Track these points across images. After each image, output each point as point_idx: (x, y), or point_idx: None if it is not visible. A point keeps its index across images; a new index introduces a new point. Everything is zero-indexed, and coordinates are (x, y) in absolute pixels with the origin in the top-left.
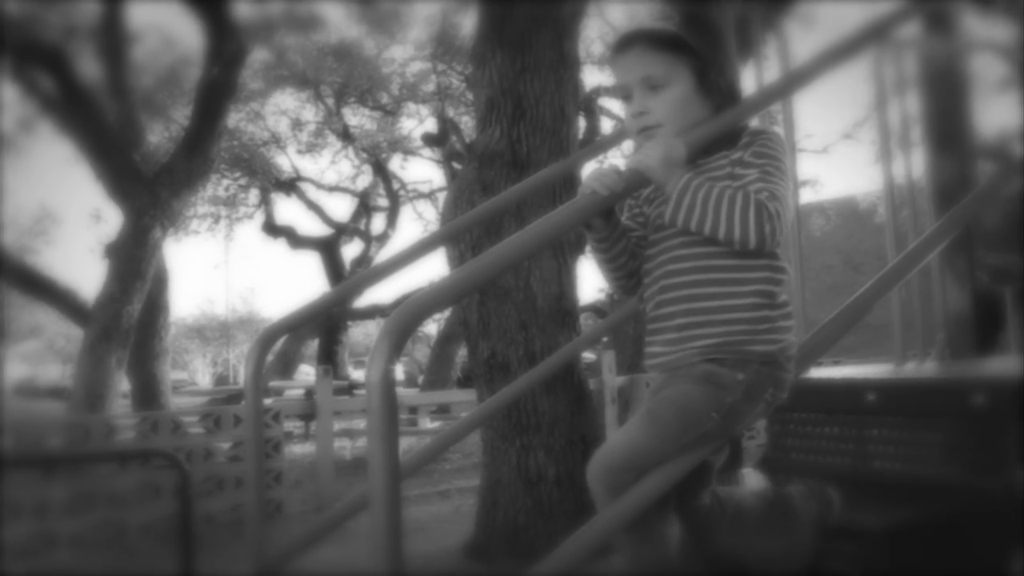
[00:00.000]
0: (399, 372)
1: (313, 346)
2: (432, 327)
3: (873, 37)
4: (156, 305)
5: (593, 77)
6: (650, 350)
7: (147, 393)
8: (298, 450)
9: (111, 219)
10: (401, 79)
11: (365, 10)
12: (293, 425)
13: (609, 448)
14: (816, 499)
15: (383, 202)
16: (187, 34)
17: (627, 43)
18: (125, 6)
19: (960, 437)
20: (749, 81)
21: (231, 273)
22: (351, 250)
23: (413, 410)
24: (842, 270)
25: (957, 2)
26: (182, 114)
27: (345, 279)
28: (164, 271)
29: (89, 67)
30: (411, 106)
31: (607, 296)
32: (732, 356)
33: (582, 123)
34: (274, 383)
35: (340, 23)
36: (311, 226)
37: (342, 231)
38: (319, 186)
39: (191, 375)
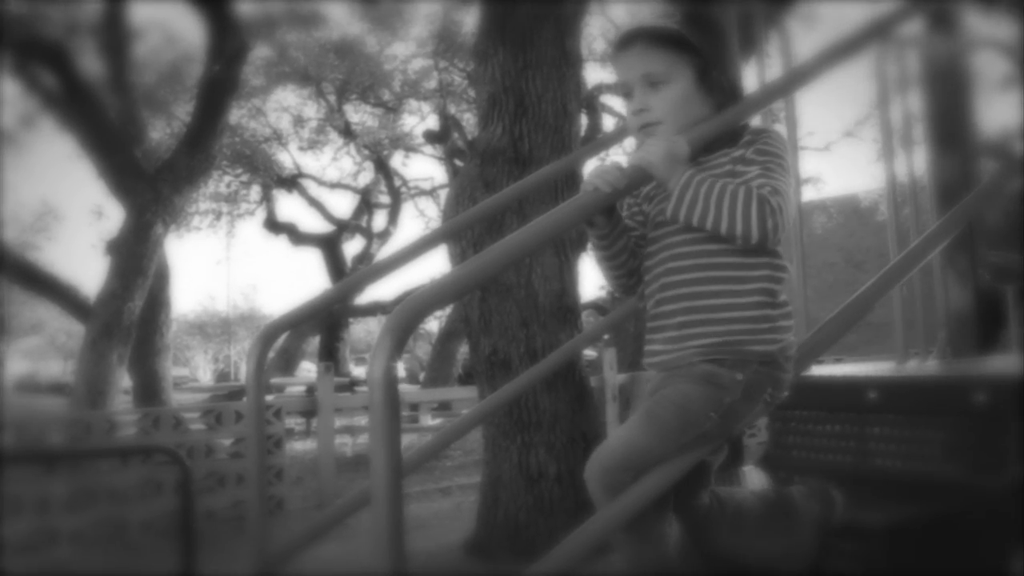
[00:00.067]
0: (400, 369)
1: (314, 343)
2: (433, 324)
3: (875, 35)
4: (157, 301)
5: (595, 74)
6: (650, 348)
7: (148, 389)
8: (299, 447)
9: (113, 215)
10: (403, 76)
11: (367, 7)
12: (294, 422)
13: (607, 448)
14: (818, 499)
15: (384, 199)
16: (189, 31)
17: (628, 40)
18: (127, 3)
19: (961, 435)
20: (751, 79)
21: (232, 269)
22: (352, 247)
23: (414, 407)
24: (844, 268)
25: (959, 0)
26: (184, 110)
27: (346, 276)
28: (165, 267)
29: (91, 63)
30: (413, 103)
31: (608, 293)
32: (732, 356)
33: (584, 120)
34: (275, 380)
35: (342, 20)
36: (312, 223)
37: (343, 228)
38: (320, 183)
39: (192, 371)
